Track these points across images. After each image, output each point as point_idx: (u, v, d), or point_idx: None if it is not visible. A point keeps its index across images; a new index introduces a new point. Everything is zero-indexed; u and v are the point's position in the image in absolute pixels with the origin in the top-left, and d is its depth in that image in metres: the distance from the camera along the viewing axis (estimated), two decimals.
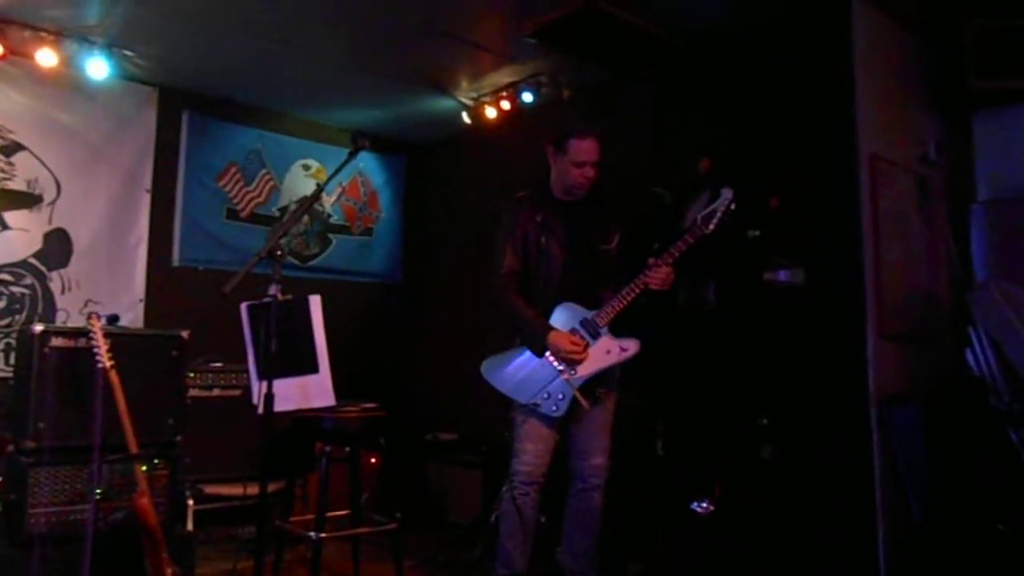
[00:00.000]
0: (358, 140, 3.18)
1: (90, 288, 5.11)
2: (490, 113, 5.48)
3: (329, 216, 6.24)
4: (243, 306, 3.34)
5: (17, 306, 4.89)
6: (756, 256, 3.84)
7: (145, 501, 2.94)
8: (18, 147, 4.90)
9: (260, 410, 2.86)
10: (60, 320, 4.93)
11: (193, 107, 5.56)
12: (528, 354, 3.33)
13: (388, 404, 3.82)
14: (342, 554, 4.08)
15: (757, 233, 3.79)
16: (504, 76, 5.23)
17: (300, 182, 6.04)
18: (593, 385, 3.29)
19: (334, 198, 6.26)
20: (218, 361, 4.64)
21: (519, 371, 3.33)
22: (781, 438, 3.63)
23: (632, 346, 3.29)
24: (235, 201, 5.74)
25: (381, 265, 6.54)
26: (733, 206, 3.18)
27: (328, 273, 6.14)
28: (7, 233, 4.86)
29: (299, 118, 6.07)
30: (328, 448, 3.65)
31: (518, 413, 3.34)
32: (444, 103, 5.64)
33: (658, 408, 3.89)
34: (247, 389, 4.26)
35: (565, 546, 3.40)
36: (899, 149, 3.67)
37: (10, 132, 4.87)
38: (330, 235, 6.24)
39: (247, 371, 3.41)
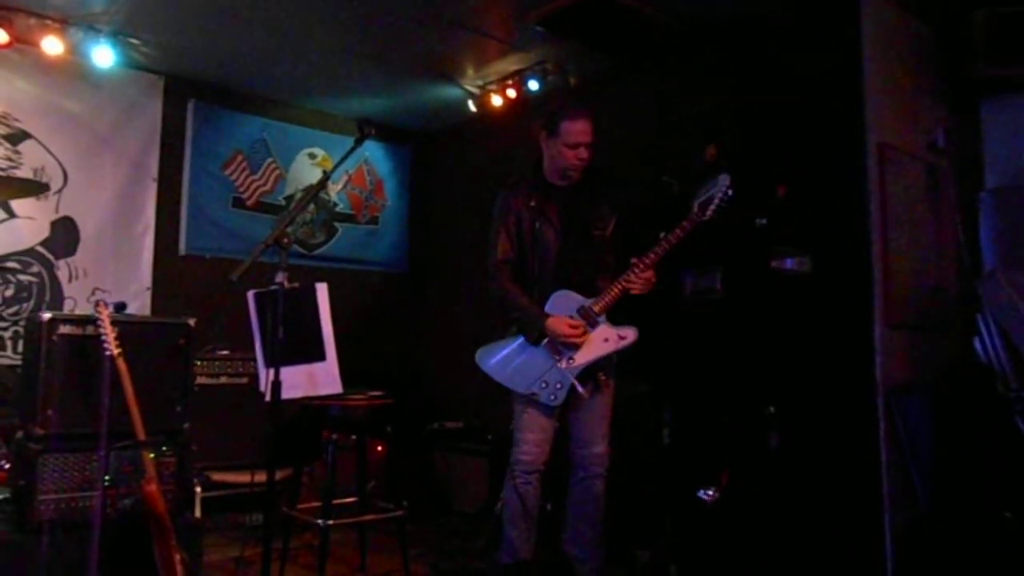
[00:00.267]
0: (364, 127, 3.16)
1: (97, 276, 5.13)
2: (496, 101, 5.47)
3: (335, 205, 6.24)
4: (250, 294, 3.34)
5: (25, 294, 4.91)
6: (763, 244, 3.82)
7: (153, 488, 2.95)
8: (25, 135, 4.91)
9: (267, 398, 2.87)
10: (68, 308, 4.95)
11: (199, 96, 5.57)
12: (522, 342, 3.29)
13: (394, 392, 3.83)
14: (349, 541, 4.11)
15: (764, 221, 3.77)
16: (510, 64, 5.21)
17: (306, 171, 6.04)
18: (591, 372, 3.26)
19: (340, 186, 6.26)
20: (225, 349, 4.64)
21: (513, 359, 3.30)
22: (788, 427, 3.62)
23: (630, 334, 3.24)
24: (241, 190, 5.75)
25: (387, 254, 6.54)
26: (731, 192, 3.12)
27: (334, 262, 6.14)
28: (14, 221, 4.88)
29: (305, 107, 6.06)
30: (335, 436, 3.67)
31: (517, 402, 3.31)
32: (450, 91, 5.63)
33: (664, 396, 3.88)
34: (254, 377, 4.30)
35: (569, 535, 3.38)
36: (907, 137, 3.64)
37: (16, 120, 4.88)
38: (336, 224, 6.24)
39: (254, 359, 3.41)
